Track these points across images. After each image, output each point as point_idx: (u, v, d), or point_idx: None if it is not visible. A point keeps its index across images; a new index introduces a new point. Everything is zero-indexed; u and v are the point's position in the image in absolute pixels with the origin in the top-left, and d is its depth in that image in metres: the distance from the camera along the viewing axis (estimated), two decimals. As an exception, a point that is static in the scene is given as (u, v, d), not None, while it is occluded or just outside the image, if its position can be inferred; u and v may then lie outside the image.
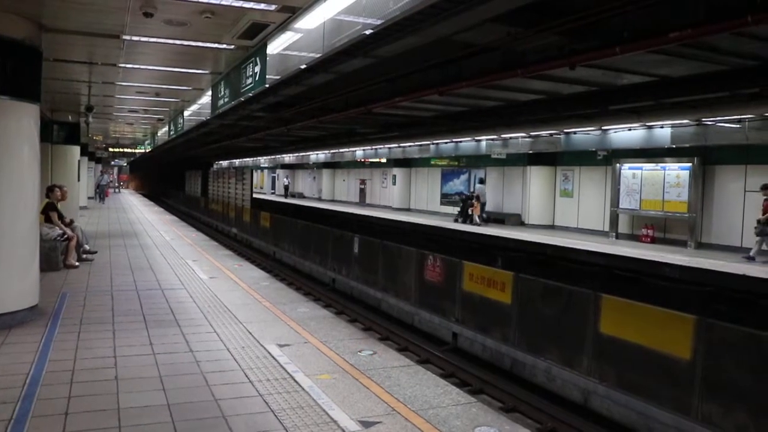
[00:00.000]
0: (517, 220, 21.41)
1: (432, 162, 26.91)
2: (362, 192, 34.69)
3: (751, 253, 12.45)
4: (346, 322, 8.89)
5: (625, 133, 15.30)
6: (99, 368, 5.41)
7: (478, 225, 20.21)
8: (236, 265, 12.45)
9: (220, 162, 47.68)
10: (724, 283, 11.02)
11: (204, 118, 15.56)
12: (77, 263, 11.11)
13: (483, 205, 21.23)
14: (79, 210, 19.16)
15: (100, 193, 34.54)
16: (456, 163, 25.55)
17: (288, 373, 5.43)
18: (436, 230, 20.34)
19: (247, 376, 5.32)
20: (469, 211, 21.09)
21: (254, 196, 26.00)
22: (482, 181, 22.62)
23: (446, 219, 23.02)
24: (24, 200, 6.92)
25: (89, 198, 30.40)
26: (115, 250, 13.54)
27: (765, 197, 12.75)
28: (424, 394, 5.10)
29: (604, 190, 18.36)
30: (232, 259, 13.52)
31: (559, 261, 14.69)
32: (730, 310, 9.87)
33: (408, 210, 28.63)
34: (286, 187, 44.37)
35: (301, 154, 33.82)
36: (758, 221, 12.66)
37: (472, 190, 23.98)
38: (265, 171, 54.29)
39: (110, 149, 37.45)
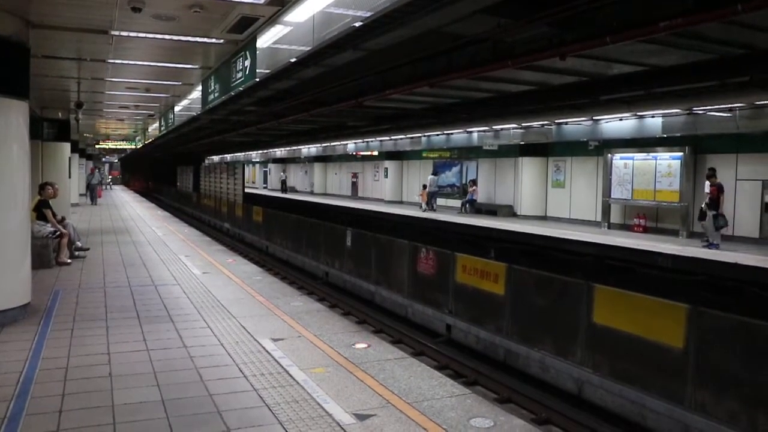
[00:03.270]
0: (509, 212, 21.48)
1: (423, 154, 26.90)
2: (354, 185, 34.67)
3: (715, 241, 12.67)
4: (339, 315, 8.89)
5: (616, 123, 15.33)
6: (93, 365, 5.40)
7: (424, 211, 22.91)
8: (229, 260, 12.43)
9: (212, 157, 47.52)
10: (715, 272, 11.08)
11: (195, 113, 15.49)
12: (69, 260, 11.06)
13: (432, 194, 23.88)
14: (70, 207, 19.07)
15: (92, 192, 30.53)
16: (448, 155, 25.57)
17: (282, 367, 5.44)
18: (428, 222, 20.36)
19: (241, 370, 5.32)
20: (417, 198, 24.08)
21: (246, 191, 25.94)
22: (435, 173, 24.95)
23: (438, 211, 23.06)
24: (14, 198, 6.88)
25: (81, 195, 29.97)
26: (108, 247, 13.48)
27: (711, 184, 13.00)
28: (419, 387, 5.11)
29: (596, 181, 18.41)
30: (225, 254, 13.49)
31: (551, 251, 14.72)
32: (721, 298, 9.92)
33: (400, 203, 28.65)
34: (283, 182, 42.59)
35: (293, 148, 33.72)
36: (715, 215, 12.85)
37: (463, 181, 24.17)
38: (257, 166, 54.07)
39: (101, 145, 36.82)
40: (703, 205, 13.43)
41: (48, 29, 7.73)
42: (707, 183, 13.53)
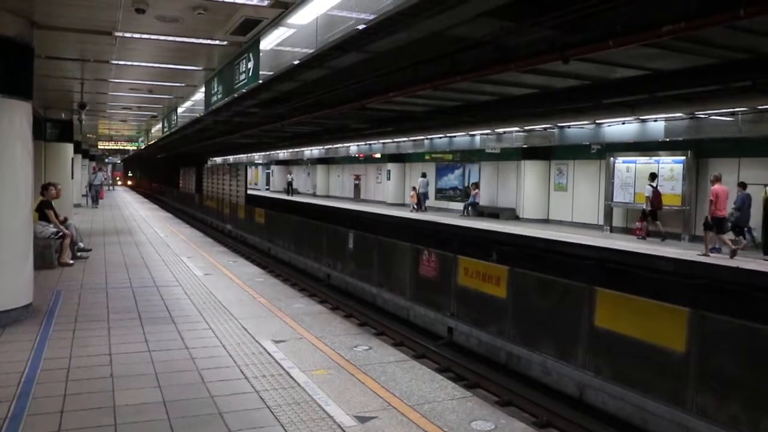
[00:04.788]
0: (511, 215, 21.47)
1: (426, 157, 26.92)
2: (357, 187, 34.67)
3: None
4: (341, 317, 8.89)
5: (618, 127, 15.33)
6: (94, 366, 5.40)
7: (415, 211, 24.27)
8: (231, 261, 12.44)
9: (215, 158, 47.56)
10: (718, 276, 11.06)
11: (197, 115, 15.51)
12: (72, 261, 11.07)
13: (422, 195, 25.27)
14: (73, 208, 19.10)
15: (94, 193, 28.49)
16: (450, 157, 25.58)
17: (283, 369, 5.44)
18: (429, 225, 20.34)
19: (242, 372, 5.32)
20: (407, 199, 25.52)
21: (248, 192, 25.95)
22: (424, 176, 26.15)
23: (441, 213, 23.06)
24: (17, 198, 6.89)
25: (83, 195, 29.85)
26: (110, 248, 13.50)
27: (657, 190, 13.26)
28: (420, 389, 5.10)
29: (599, 184, 18.40)
30: (227, 256, 13.50)
31: (553, 255, 14.70)
32: (723, 302, 9.90)
33: (402, 205, 28.63)
34: (289, 183, 41.32)
35: (296, 150, 33.72)
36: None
37: (465, 184, 24.21)
38: (260, 167, 54.09)
39: (103, 145, 36.62)
40: (645, 207, 15.30)
41: (52, 30, 7.75)
42: (648, 187, 15.12)
